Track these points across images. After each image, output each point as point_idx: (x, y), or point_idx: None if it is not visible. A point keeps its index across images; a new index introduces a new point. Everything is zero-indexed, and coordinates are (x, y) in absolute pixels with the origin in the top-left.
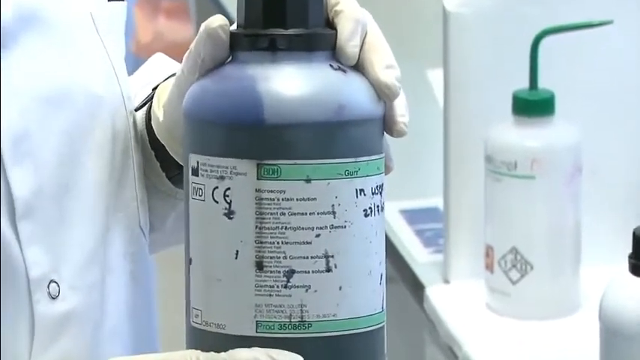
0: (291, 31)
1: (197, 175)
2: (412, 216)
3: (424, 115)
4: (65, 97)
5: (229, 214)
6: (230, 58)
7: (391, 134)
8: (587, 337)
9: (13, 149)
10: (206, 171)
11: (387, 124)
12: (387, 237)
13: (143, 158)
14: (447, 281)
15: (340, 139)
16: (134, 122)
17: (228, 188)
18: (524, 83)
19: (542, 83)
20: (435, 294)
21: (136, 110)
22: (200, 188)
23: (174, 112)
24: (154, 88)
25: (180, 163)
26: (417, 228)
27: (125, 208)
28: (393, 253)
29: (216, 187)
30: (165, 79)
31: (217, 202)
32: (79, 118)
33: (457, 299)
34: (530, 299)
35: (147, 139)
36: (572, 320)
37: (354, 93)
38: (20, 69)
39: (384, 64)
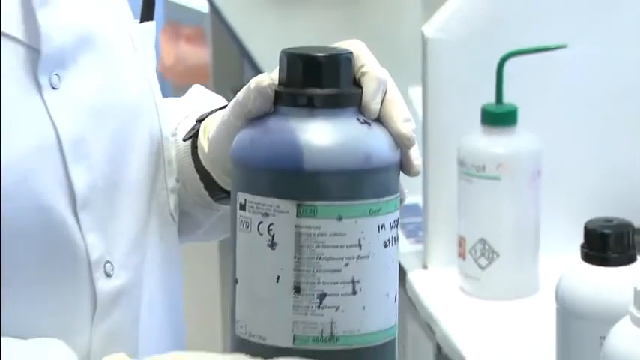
0: (326, 91)
1: (244, 210)
2: None
3: None
4: (112, 107)
5: (272, 245)
6: (274, 111)
7: (408, 174)
8: (545, 316)
9: (72, 152)
10: (252, 207)
11: (404, 166)
12: None
13: (191, 186)
14: (425, 267)
15: (367, 183)
16: (162, 130)
17: (272, 224)
18: (491, 98)
19: (507, 98)
20: (415, 278)
21: (184, 140)
22: (247, 222)
23: (218, 147)
24: (198, 120)
25: (221, 186)
26: (400, 222)
27: (158, 197)
28: None
29: (261, 222)
30: (209, 113)
31: (262, 235)
32: (122, 125)
33: (434, 283)
34: (496, 283)
35: (192, 164)
36: (532, 301)
37: (379, 144)
38: (77, 85)
39: (402, 118)
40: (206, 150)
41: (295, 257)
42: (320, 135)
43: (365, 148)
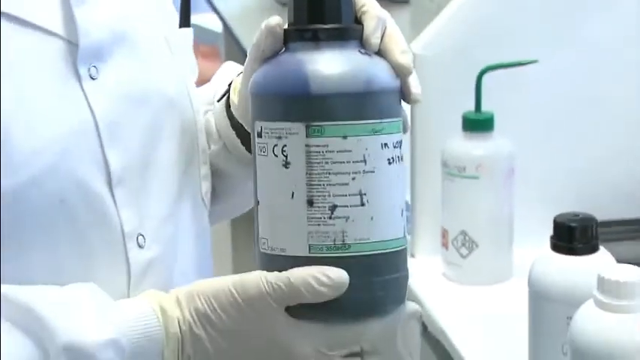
0: (329, 26)
1: (261, 137)
2: None
3: None
4: (145, 97)
5: (286, 164)
6: (283, 49)
7: (408, 102)
8: (518, 299)
9: (108, 135)
10: (268, 133)
11: (404, 93)
12: None
13: (227, 138)
14: (413, 256)
15: (368, 105)
16: (197, 120)
17: (285, 145)
18: (470, 107)
19: (485, 106)
20: None
21: (218, 101)
22: (264, 147)
23: (243, 94)
24: (229, 84)
25: None
26: None
27: (192, 182)
28: None
29: (276, 145)
30: (237, 76)
31: (277, 156)
32: (154, 113)
33: (421, 270)
34: (475, 270)
35: (228, 122)
36: (507, 286)
37: (378, 70)
38: (112, 76)
39: (400, 50)
40: (236, 102)
41: (307, 174)
42: (324, 63)
43: (365, 73)
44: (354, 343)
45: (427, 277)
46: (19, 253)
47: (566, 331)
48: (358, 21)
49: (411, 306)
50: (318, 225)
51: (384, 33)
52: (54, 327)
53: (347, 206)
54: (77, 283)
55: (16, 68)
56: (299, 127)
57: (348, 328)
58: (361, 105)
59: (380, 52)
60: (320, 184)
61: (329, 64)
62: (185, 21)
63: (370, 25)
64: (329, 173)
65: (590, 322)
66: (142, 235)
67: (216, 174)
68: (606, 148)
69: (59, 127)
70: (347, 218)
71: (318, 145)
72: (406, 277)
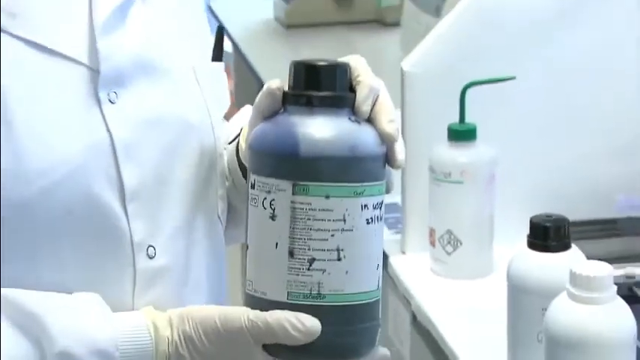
0: (322, 94)
1: (254, 189)
2: None
3: None
4: (163, 121)
5: (273, 217)
6: (282, 109)
7: (392, 167)
8: (498, 292)
9: (124, 154)
10: (259, 186)
11: (389, 159)
12: None
13: (235, 177)
14: (403, 253)
15: (351, 169)
16: (218, 146)
17: (273, 199)
18: (455, 119)
19: (468, 118)
20: (395, 262)
21: (229, 143)
22: (255, 198)
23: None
24: (242, 128)
25: None
26: (384, 217)
27: (208, 200)
28: None
29: (265, 198)
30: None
31: (265, 209)
32: (173, 136)
33: (410, 265)
34: (459, 265)
35: (237, 163)
36: (488, 280)
37: (364, 138)
38: (132, 100)
39: (387, 119)
40: (243, 148)
41: (290, 227)
42: (315, 128)
43: (351, 140)
44: None
45: (416, 272)
46: (27, 259)
47: (541, 321)
48: (353, 88)
49: (381, 351)
50: (297, 275)
51: (375, 101)
52: (53, 331)
53: (324, 260)
54: (80, 293)
55: (39, 90)
56: (286, 185)
57: None
58: (345, 169)
59: (370, 120)
60: (301, 238)
61: (319, 130)
62: (217, 55)
63: (362, 94)
64: (310, 229)
65: (563, 313)
66: (153, 247)
67: (228, 206)
68: (578, 155)
69: (75, 145)
70: (324, 271)
71: (302, 203)
72: (377, 326)
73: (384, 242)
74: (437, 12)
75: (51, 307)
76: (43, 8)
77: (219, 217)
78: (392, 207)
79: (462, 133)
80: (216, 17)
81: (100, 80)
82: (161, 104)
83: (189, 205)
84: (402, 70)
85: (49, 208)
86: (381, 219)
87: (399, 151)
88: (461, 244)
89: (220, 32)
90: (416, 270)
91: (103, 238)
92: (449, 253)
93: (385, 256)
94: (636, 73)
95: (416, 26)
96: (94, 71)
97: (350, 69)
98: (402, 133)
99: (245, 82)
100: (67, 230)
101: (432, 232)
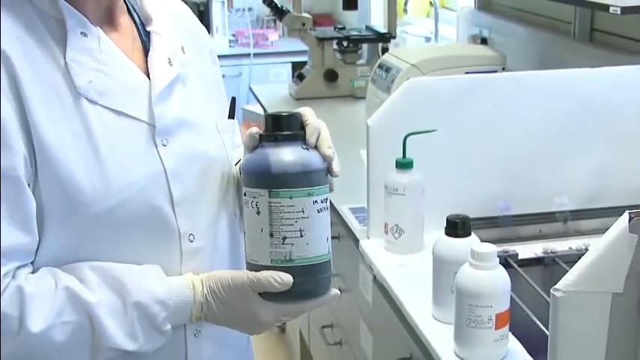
0: (284, 133)
1: (245, 196)
2: (354, 210)
3: (360, 168)
4: (196, 156)
5: (258, 213)
6: (260, 144)
7: (332, 176)
8: (427, 262)
9: (173, 177)
10: (248, 194)
11: (330, 171)
12: (342, 219)
13: (238, 190)
14: (368, 238)
15: (305, 179)
16: (231, 171)
17: (257, 202)
18: (401, 155)
19: (408, 154)
20: (364, 243)
21: (235, 164)
22: (246, 201)
23: None
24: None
25: None
26: (356, 215)
27: (227, 205)
28: (345, 226)
29: (252, 201)
30: None
31: (252, 208)
32: (203, 165)
33: (373, 245)
34: (402, 245)
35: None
36: (421, 254)
37: (312, 159)
38: (177, 144)
39: (327, 146)
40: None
41: (269, 218)
42: (280, 155)
43: (304, 161)
44: (298, 313)
45: (376, 250)
46: (112, 246)
47: (453, 280)
48: (304, 128)
49: (333, 291)
50: (276, 248)
51: (319, 136)
52: (130, 288)
53: (292, 237)
54: (146, 265)
55: (119, 138)
56: (265, 192)
57: (295, 305)
58: (301, 179)
59: (316, 147)
60: (276, 225)
61: (283, 156)
62: (231, 114)
63: (310, 131)
64: (282, 219)
65: (466, 275)
66: (192, 234)
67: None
68: (474, 179)
69: (141, 173)
70: (292, 244)
71: (275, 203)
72: (330, 277)
73: (357, 231)
74: (388, 90)
75: (128, 273)
76: (120, 88)
77: (235, 215)
78: (361, 210)
79: (404, 164)
80: (254, 94)
81: (156, 132)
82: (195, 146)
83: (215, 207)
84: (367, 125)
85: (125, 214)
86: (327, 209)
87: (336, 166)
88: (403, 232)
89: (233, 101)
90: (376, 248)
91: (160, 230)
92: (396, 238)
93: (356, 240)
94: (515, 129)
95: (375, 99)
96: (152, 126)
97: (301, 116)
98: (367, 165)
99: None
100: (137, 227)
101: (386, 225)
